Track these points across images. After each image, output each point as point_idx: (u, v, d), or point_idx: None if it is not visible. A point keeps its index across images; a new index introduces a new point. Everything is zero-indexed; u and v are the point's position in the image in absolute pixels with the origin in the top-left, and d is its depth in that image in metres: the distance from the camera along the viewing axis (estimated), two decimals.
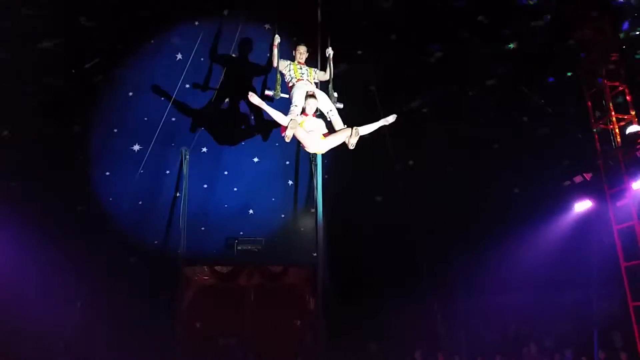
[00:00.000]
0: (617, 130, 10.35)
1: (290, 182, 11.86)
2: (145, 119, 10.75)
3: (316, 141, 7.53)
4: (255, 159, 11.57)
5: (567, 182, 11.07)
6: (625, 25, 10.28)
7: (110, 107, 10.81)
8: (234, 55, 10.91)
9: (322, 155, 10.03)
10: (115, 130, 10.86)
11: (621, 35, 10.36)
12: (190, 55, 10.49)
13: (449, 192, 11.67)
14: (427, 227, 11.28)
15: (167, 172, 11.03)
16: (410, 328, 11.35)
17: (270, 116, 7.53)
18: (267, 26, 11.11)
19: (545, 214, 11.46)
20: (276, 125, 8.09)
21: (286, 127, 7.27)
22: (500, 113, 11.49)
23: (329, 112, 7.90)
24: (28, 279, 9.55)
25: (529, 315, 11.69)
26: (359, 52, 11.11)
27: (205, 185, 11.36)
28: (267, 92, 8.24)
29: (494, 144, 11.91)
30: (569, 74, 10.99)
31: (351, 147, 7.44)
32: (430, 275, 11.13)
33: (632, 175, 9.98)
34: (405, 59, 11.37)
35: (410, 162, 12.03)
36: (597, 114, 10.67)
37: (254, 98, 7.45)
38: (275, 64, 8.36)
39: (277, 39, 8.39)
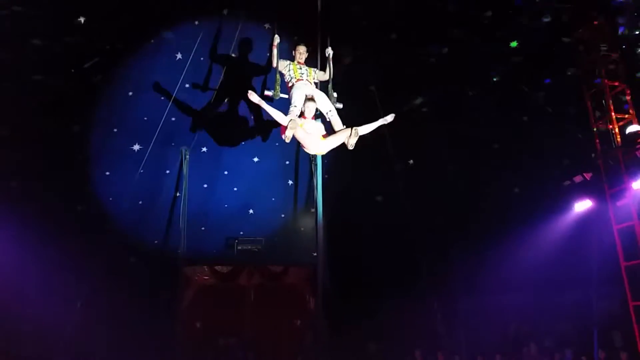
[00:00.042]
0: (617, 130, 10.30)
1: (290, 182, 11.80)
2: (145, 118, 10.69)
3: (316, 142, 7.50)
4: (255, 159, 11.52)
5: (567, 182, 11.03)
6: (625, 25, 10.18)
7: (110, 107, 10.77)
8: (233, 55, 10.86)
9: (322, 155, 9.96)
10: (115, 130, 10.81)
11: (622, 34, 10.24)
12: (190, 55, 10.43)
13: (449, 191, 11.63)
14: (427, 226, 11.26)
15: (167, 171, 10.99)
16: (410, 328, 11.31)
17: (270, 116, 7.47)
18: (267, 26, 11.05)
19: (545, 213, 11.41)
20: (276, 125, 8.07)
21: (286, 128, 7.23)
22: (500, 113, 11.44)
23: (329, 113, 7.85)
24: (28, 278, 9.49)
25: (529, 315, 11.64)
26: (359, 52, 11.01)
27: (205, 185, 11.31)
28: (266, 93, 8.18)
29: (494, 143, 11.88)
30: (569, 73, 10.88)
31: (350, 147, 7.40)
32: (430, 275, 11.09)
33: (632, 175, 9.93)
34: (405, 59, 11.31)
35: (410, 162, 11.96)
36: (597, 113, 10.61)
37: (253, 96, 7.42)
38: (274, 64, 8.30)
39: (277, 39, 8.33)
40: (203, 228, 11.14)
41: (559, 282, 11.13)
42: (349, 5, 10.61)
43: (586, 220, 10.95)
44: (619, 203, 10.12)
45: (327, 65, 8.46)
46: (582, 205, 11.01)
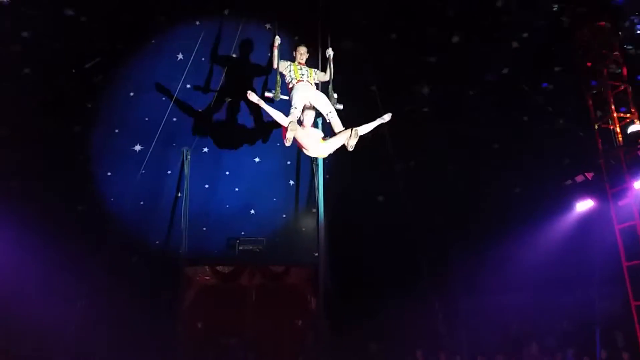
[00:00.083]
0: (618, 130, 10.17)
1: (291, 182, 11.71)
2: (147, 119, 10.59)
3: (316, 144, 7.39)
4: (257, 159, 11.40)
5: (569, 182, 10.93)
6: (626, 24, 10.09)
7: (111, 107, 10.65)
8: (234, 55, 10.75)
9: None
10: (117, 131, 10.70)
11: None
12: (191, 55, 10.32)
13: (449, 191, 11.52)
14: (427, 226, 11.16)
15: (169, 172, 10.89)
16: (412, 328, 11.20)
17: (270, 117, 7.38)
18: (267, 26, 10.90)
19: (546, 213, 11.30)
20: (277, 125, 7.93)
21: (286, 129, 7.12)
22: (500, 112, 11.31)
23: (329, 114, 7.70)
24: (28, 278, 9.43)
25: (531, 315, 11.53)
26: (359, 52, 10.89)
27: (206, 186, 11.22)
28: (267, 94, 8.05)
29: (494, 143, 11.75)
30: (570, 73, 10.76)
31: (350, 148, 7.30)
32: (431, 275, 11.00)
33: (634, 175, 9.80)
34: (405, 59, 11.19)
35: (411, 163, 11.87)
36: (599, 113, 10.46)
37: (252, 96, 7.34)
38: (275, 65, 8.17)
39: (278, 40, 8.20)
40: (204, 228, 11.05)
41: (560, 282, 11.02)
42: (349, 5, 10.47)
43: (588, 220, 10.85)
44: (621, 203, 9.99)
45: (328, 66, 8.34)
46: (584, 205, 10.90)
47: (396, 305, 10.88)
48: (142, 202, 10.68)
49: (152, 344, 9.84)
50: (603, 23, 10.34)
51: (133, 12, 10.03)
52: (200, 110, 10.84)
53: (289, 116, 7.34)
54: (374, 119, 7.55)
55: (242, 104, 10.81)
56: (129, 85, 10.64)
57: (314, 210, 11.18)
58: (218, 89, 10.74)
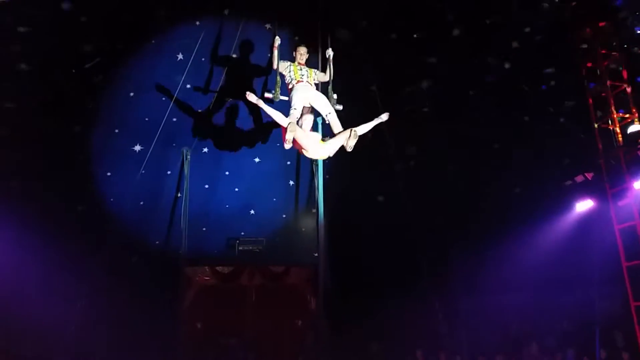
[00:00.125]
0: (618, 130, 10.14)
1: (291, 183, 11.67)
2: (147, 119, 10.54)
3: (316, 145, 7.38)
4: (257, 159, 11.35)
5: (569, 182, 10.90)
6: (626, 24, 10.07)
7: (111, 107, 10.59)
8: (234, 55, 10.72)
9: None
10: (117, 131, 10.65)
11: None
12: (191, 55, 10.29)
13: (449, 191, 11.49)
14: (427, 226, 11.13)
15: (169, 172, 10.84)
16: (412, 327, 11.18)
17: (269, 117, 7.37)
18: (268, 26, 10.87)
19: (546, 213, 11.26)
20: (277, 125, 7.91)
21: (286, 130, 7.11)
22: (500, 112, 11.28)
23: (328, 115, 7.68)
24: (28, 278, 9.38)
25: (531, 315, 11.50)
26: (359, 52, 10.88)
27: (206, 186, 11.17)
28: (266, 95, 8.02)
29: (494, 143, 11.72)
30: (570, 73, 10.74)
31: (349, 149, 7.30)
32: (431, 275, 10.98)
33: (634, 175, 9.75)
34: (405, 59, 11.17)
35: (411, 163, 11.84)
36: (599, 113, 10.43)
37: (251, 97, 7.34)
38: (275, 66, 8.14)
39: (277, 41, 8.17)
40: (204, 228, 11.01)
41: (560, 282, 10.98)
42: (349, 6, 10.45)
43: (587, 220, 10.81)
44: (621, 203, 9.95)
45: (328, 67, 8.31)
46: (584, 205, 10.86)
47: (396, 305, 10.84)
48: (142, 202, 10.63)
49: (152, 344, 9.82)
50: (603, 23, 10.30)
51: (133, 12, 10.00)
52: (200, 110, 10.79)
53: (289, 117, 7.31)
54: (373, 119, 7.55)
55: (242, 104, 10.76)
56: (129, 85, 10.59)
57: (314, 210, 11.15)
58: (218, 89, 10.69)
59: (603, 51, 10.34)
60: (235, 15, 10.58)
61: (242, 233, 11.23)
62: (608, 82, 10.27)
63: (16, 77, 9.54)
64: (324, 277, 10.60)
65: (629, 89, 10.28)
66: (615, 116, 10.19)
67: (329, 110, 7.70)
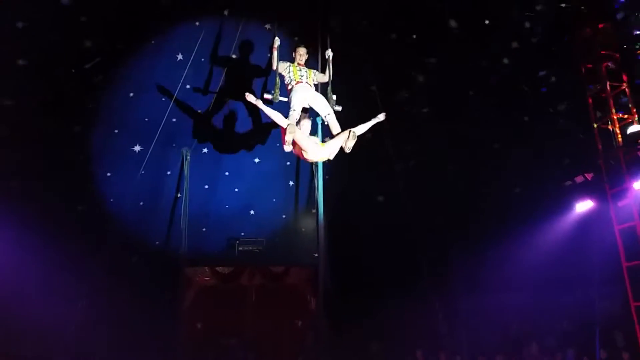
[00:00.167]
0: (618, 130, 10.10)
1: (291, 183, 11.66)
2: (146, 119, 10.51)
3: (315, 146, 7.37)
4: (256, 160, 11.33)
5: (569, 182, 10.86)
6: (626, 25, 10.04)
7: (111, 108, 10.56)
8: (234, 56, 10.72)
9: None
10: (116, 131, 10.62)
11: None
12: (191, 56, 10.27)
13: (449, 191, 11.48)
14: (427, 226, 11.10)
15: (168, 172, 10.82)
16: (412, 327, 11.16)
17: (268, 118, 7.36)
18: (267, 26, 10.87)
19: (546, 213, 11.24)
20: (276, 125, 7.88)
21: (285, 132, 7.09)
22: (500, 112, 11.26)
23: (327, 116, 7.69)
24: (28, 278, 9.33)
25: (531, 315, 11.49)
26: (359, 52, 10.85)
27: (206, 186, 11.15)
28: (266, 96, 8.03)
29: (494, 143, 11.71)
30: (570, 73, 10.72)
31: (348, 150, 7.32)
32: (431, 275, 10.93)
33: (634, 175, 9.73)
34: (405, 59, 11.15)
35: (411, 163, 11.82)
36: (598, 113, 10.40)
37: (250, 97, 7.31)
38: (274, 67, 8.14)
39: (277, 42, 8.19)
40: (204, 229, 10.98)
41: (560, 282, 10.97)
42: (349, 6, 10.43)
43: (587, 220, 10.79)
44: (620, 203, 9.92)
45: (327, 67, 8.31)
46: (583, 206, 10.84)
47: (396, 305, 10.81)
48: (141, 203, 10.60)
49: (152, 344, 9.77)
50: (603, 23, 10.28)
51: (133, 12, 9.97)
52: (200, 111, 10.79)
53: (288, 118, 7.30)
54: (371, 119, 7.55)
55: (242, 105, 10.72)
56: (128, 85, 10.56)
57: (314, 210, 11.12)
58: (218, 90, 10.67)
59: (603, 52, 10.31)
60: (235, 16, 10.58)
61: (242, 233, 11.20)
62: (607, 83, 10.25)
63: (16, 77, 9.51)
64: (324, 277, 10.56)
65: (628, 90, 10.26)
66: (614, 117, 10.15)
67: (327, 112, 7.70)
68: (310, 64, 8.38)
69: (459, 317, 11.59)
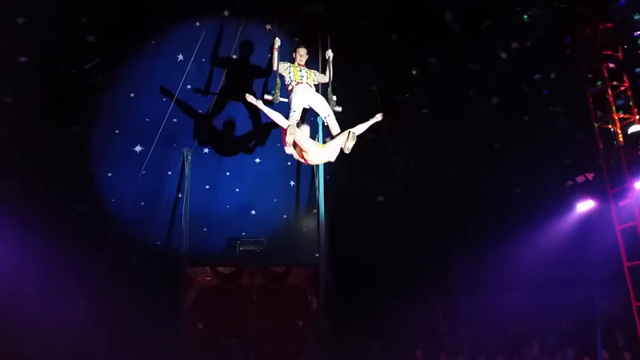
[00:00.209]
0: (619, 130, 10.00)
1: (292, 183, 11.59)
2: (147, 119, 10.40)
3: (316, 148, 7.27)
4: (257, 160, 11.24)
5: (570, 182, 10.77)
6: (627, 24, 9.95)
7: (112, 108, 10.44)
8: (234, 56, 10.60)
9: None
10: (117, 131, 10.51)
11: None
12: (192, 56, 10.16)
13: (449, 191, 11.39)
14: (427, 226, 11.04)
15: (169, 172, 10.73)
16: (412, 327, 11.05)
17: (267, 119, 7.28)
18: (268, 27, 10.75)
19: (547, 213, 11.12)
20: (276, 125, 7.76)
21: (286, 133, 6.98)
22: (500, 112, 11.17)
23: (327, 117, 7.57)
24: (29, 278, 9.24)
25: (531, 315, 11.38)
26: (359, 52, 10.74)
27: (207, 186, 11.07)
28: (266, 97, 7.91)
29: (494, 143, 11.58)
30: (570, 73, 10.60)
31: (347, 151, 7.20)
32: (431, 275, 10.88)
33: (635, 175, 9.62)
34: (405, 59, 11.06)
35: (411, 163, 11.72)
36: (599, 113, 10.30)
37: (251, 98, 7.19)
38: (275, 68, 8.01)
39: (277, 42, 8.06)
40: (205, 229, 10.92)
41: (561, 282, 10.86)
42: (349, 6, 10.31)
43: (588, 220, 10.68)
44: (622, 203, 9.82)
45: (327, 68, 8.19)
46: (585, 206, 10.73)
47: (396, 305, 10.70)
48: (142, 203, 10.52)
49: (152, 344, 9.69)
50: (603, 23, 10.16)
51: (133, 12, 9.86)
52: (201, 111, 10.69)
53: (288, 120, 7.18)
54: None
55: (243, 105, 10.62)
56: (129, 85, 10.44)
57: (315, 210, 10.99)
58: (218, 90, 10.57)
59: (603, 51, 10.17)
60: (236, 16, 10.46)
61: (243, 233, 11.13)
62: (608, 82, 10.13)
63: (16, 77, 9.41)
64: (324, 277, 10.45)
65: (629, 89, 10.15)
66: (615, 116, 10.04)
67: (327, 113, 7.60)
68: (310, 65, 8.25)
69: (459, 317, 11.49)
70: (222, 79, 10.56)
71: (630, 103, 10.11)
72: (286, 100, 7.78)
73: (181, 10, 10.28)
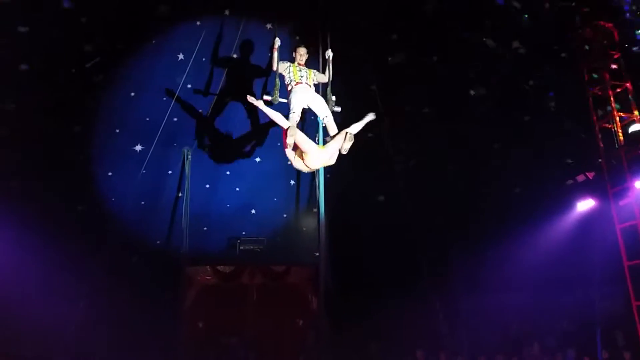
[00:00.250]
0: (619, 129, 9.94)
1: (292, 182, 11.48)
2: (147, 119, 10.32)
3: (316, 150, 7.18)
4: (257, 159, 11.13)
5: (570, 181, 10.72)
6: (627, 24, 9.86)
7: (112, 107, 10.35)
8: (235, 56, 10.50)
9: None
10: (117, 131, 10.41)
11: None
12: (192, 56, 10.06)
13: (449, 191, 11.28)
14: (427, 226, 10.95)
15: (170, 172, 10.63)
16: (412, 327, 10.96)
17: (267, 119, 7.20)
18: (268, 26, 10.64)
19: (548, 213, 11.07)
20: (275, 125, 7.64)
21: (286, 134, 6.88)
22: (500, 112, 11.07)
23: (325, 118, 7.49)
24: (29, 278, 9.16)
25: (531, 315, 11.31)
26: (359, 52, 10.64)
27: (207, 185, 10.96)
28: (265, 97, 7.78)
29: (494, 143, 11.49)
30: (571, 73, 10.50)
31: (344, 152, 7.08)
32: (431, 275, 10.81)
33: (635, 174, 9.59)
34: (405, 59, 10.94)
35: (411, 163, 11.63)
36: (600, 113, 10.23)
37: (251, 99, 7.11)
38: (275, 68, 7.89)
39: (277, 42, 7.92)
40: (205, 228, 10.82)
41: (561, 281, 10.80)
42: (349, 6, 10.21)
43: (589, 219, 10.64)
44: (622, 202, 9.79)
45: (327, 68, 8.07)
46: (585, 205, 10.69)
47: (396, 305, 10.61)
48: (143, 202, 10.43)
49: (153, 343, 9.61)
50: (604, 23, 10.10)
51: (133, 12, 9.76)
52: (201, 111, 10.59)
53: (289, 120, 7.10)
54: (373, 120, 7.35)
55: (243, 105, 10.52)
56: (129, 85, 10.34)
57: (315, 210, 10.88)
58: (218, 91, 10.47)
59: (604, 51, 10.12)
60: (236, 15, 10.37)
61: (243, 232, 11.03)
62: (609, 82, 10.09)
63: (16, 77, 9.33)
64: (324, 276, 10.32)
65: (630, 89, 10.07)
66: (616, 116, 9.99)
67: (326, 114, 7.52)
68: (310, 64, 8.13)
69: (459, 317, 11.40)
70: (223, 78, 10.46)
71: (631, 102, 10.04)
72: (286, 101, 7.68)
73: (182, 10, 10.20)
